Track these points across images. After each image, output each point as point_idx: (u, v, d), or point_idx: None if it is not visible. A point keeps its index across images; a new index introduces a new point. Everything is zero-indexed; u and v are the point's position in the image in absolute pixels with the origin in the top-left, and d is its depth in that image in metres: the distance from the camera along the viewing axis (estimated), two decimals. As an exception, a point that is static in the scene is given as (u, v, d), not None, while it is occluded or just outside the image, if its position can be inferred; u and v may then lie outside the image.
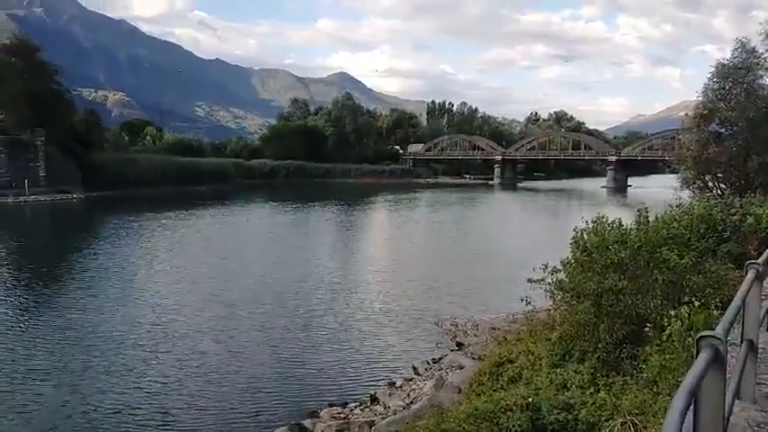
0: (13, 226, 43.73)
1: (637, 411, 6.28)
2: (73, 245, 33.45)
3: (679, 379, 6.18)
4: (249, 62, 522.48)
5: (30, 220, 49.33)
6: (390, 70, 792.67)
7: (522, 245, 32.84)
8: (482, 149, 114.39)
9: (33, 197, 56.28)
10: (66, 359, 14.34)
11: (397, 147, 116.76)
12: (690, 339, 6.38)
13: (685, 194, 19.70)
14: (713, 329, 2.42)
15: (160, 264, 27.19)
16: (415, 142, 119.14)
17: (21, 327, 17.06)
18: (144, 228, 40.07)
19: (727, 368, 2.40)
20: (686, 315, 6.52)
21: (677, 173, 23.97)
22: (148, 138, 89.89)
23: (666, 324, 6.76)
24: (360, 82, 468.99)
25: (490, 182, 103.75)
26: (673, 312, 6.77)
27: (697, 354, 2.25)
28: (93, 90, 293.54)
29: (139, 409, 11.72)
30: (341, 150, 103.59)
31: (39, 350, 14.96)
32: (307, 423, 11.07)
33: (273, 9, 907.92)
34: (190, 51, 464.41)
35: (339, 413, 11.60)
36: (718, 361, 2.23)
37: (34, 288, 22.28)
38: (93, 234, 37.81)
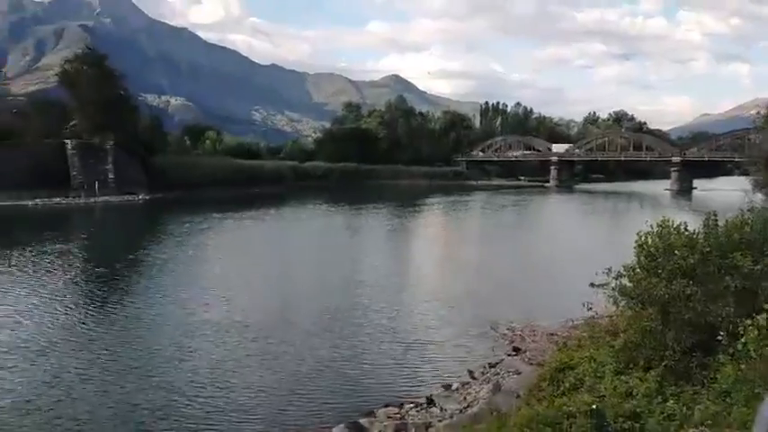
0: (86, 224, 47.03)
1: (710, 422, 6.04)
2: (139, 241, 35.00)
3: (756, 390, 5.92)
4: (303, 67, 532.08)
5: (100, 219, 52.24)
6: (442, 71, 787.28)
7: (580, 249, 31.98)
8: (538, 150, 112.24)
9: (103, 198, 59.36)
10: (131, 356, 15.05)
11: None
12: (767, 349, 6.10)
13: (758, 198, 18.68)
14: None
15: (218, 261, 28.12)
16: (468, 144, 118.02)
17: (94, 319, 18.04)
18: (204, 227, 41.67)
19: None
20: (764, 324, 6.21)
21: (748, 175, 22.78)
22: (208, 141, 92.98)
23: (741, 333, 6.47)
24: (412, 84, 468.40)
25: (546, 184, 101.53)
26: (749, 321, 6.47)
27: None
28: (156, 96, 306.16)
29: (193, 404, 12.03)
30: (394, 152, 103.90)
31: (106, 345, 15.78)
32: (364, 422, 11.19)
33: (325, 14, 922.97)
34: (246, 57, 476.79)
35: (396, 413, 11.66)
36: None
37: (101, 283, 23.50)
38: (157, 232, 39.86)
